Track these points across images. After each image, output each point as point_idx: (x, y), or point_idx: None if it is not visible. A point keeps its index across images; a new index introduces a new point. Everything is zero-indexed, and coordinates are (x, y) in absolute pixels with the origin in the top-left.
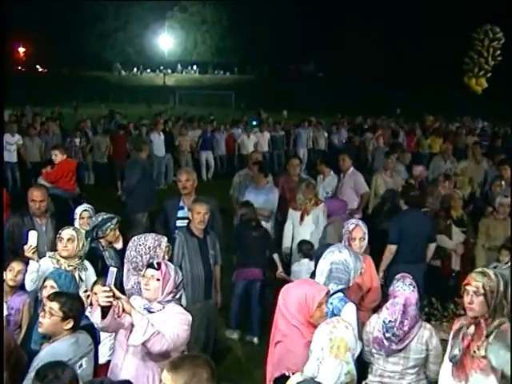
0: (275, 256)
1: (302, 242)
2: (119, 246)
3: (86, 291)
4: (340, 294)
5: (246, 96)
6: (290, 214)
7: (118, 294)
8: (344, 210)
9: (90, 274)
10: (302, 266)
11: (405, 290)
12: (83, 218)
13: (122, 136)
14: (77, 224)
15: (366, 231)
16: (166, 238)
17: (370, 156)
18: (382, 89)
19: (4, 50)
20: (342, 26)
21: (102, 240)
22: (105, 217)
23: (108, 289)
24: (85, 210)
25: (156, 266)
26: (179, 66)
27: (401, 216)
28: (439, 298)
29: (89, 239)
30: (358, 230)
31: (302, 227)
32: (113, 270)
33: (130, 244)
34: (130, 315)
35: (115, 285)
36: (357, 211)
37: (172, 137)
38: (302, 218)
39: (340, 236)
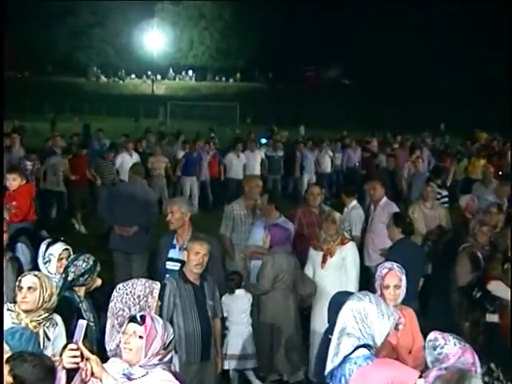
0: None
1: (232, 273)
2: (98, 283)
3: (54, 355)
4: (365, 351)
5: (254, 108)
6: (310, 254)
7: (86, 353)
8: (289, 239)
9: (59, 332)
10: (238, 298)
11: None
12: (62, 259)
13: (83, 158)
14: (52, 267)
15: (404, 277)
16: (159, 285)
17: (404, 183)
18: (423, 100)
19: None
20: (371, 24)
21: (77, 288)
22: (86, 259)
23: (75, 346)
24: (66, 249)
25: (139, 319)
26: (171, 71)
27: (400, 246)
28: (500, 364)
29: (60, 287)
30: (392, 275)
31: (325, 271)
32: (82, 324)
33: (115, 293)
34: (101, 381)
35: (88, 343)
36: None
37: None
38: (324, 261)
39: (278, 271)
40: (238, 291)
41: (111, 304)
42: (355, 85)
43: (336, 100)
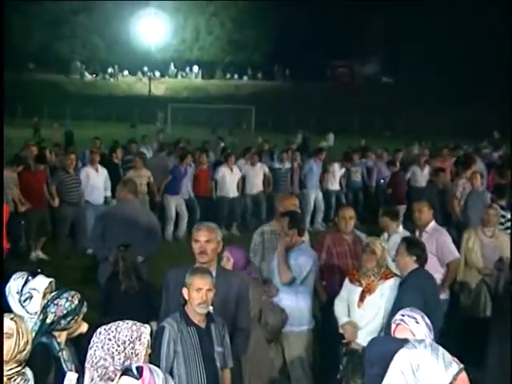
0: None
1: None
2: (84, 328)
3: None
4: None
5: (274, 111)
6: (346, 288)
7: None
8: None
9: None
10: None
11: None
12: (46, 294)
13: (40, 173)
14: (35, 305)
15: (419, 326)
16: (148, 328)
17: (456, 204)
18: (474, 103)
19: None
20: (415, 13)
21: (57, 333)
22: (70, 297)
23: None
24: (50, 283)
25: (135, 372)
26: (172, 68)
27: (415, 278)
28: None
29: (36, 331)
30: (400, 330)
31: (362, 311)
32: (71, 378)
33: (95, 339)
34: None
35: None
36: (441, 289)
37: (123, 171)
38: (362, 298)
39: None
40: None
41: (90, 352)
42: (398, 84)
43: (374, 101)
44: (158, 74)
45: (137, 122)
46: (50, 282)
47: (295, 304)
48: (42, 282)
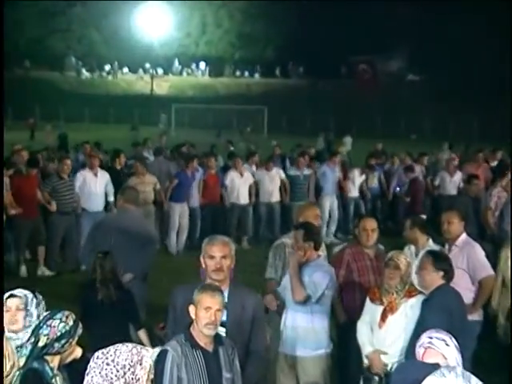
0: None
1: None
2: (78, 353)
3: None
4: None
5: (288, 112)
6: (367, 309)
7: None
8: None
9: None
10: None
11: None
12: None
13: (32, 178)
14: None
15: (450, 349)
16: (150, 351)
17: (490, 215)
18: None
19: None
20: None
21: (50, 357)
22: (64, 319)
23: None
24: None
25: None
26: (177, 64)
27: (442, 296)
28: None
29: (27, 356)
30: (430, 355)
31: (384, 333)
32: None
33: (92, 364)
34: None
35: None
36: (473, 309)
37: (122, 178)
38: (383, 318)
39: None
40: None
41: (87, 378)
42: (426, 82)
43: (398, 101)
44: (160, 71)
45: (137, 123)
46: (39, 301)
47: (310, 325)
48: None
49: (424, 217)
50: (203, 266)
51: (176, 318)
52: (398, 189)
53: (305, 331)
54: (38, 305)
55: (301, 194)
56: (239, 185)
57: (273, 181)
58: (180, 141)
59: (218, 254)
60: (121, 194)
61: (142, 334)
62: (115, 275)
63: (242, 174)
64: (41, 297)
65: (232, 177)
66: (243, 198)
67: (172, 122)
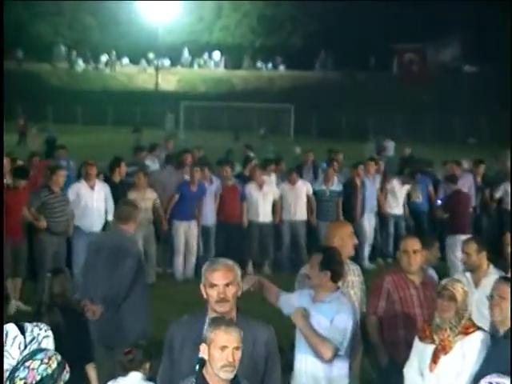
0: None
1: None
2: None
3: None
4: None
5: (319, 111)
6: (415, 349)
7: None
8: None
9: None
10: None
11: None
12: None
13: (20, 192)
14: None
15: None
16: None
17: None
18: None
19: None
20: None
21: None
22: (46, 360)
23: None
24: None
25: None
26: (186, 54)
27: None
28: None
29: None
30: None
31: (437, 376)
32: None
33: None
34: None
35: None
36: None
37: (125, 192)
38: (435, 359)
39: None
40: (133, 374)
41: None
42: (484, 73)
43: (453, 98)
44: (167, 62)
45: (140, 125)
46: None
47: (329, 373)
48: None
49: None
50: (204, 296)
51: (173, 360)
52: (439, 201)
53: (322, 381)
54: (26, 344)
55: (328, 211)
56: (257, 199)
57: (298, 196)
58: (190, 145)
59: (220, 282)
60: (117, 209)
61: (90, 370)
62: (66, 299)
63: (260, 187)
64: (40, 331)
65: (249, 190)
66: (263, 216)
67: (180, 123)
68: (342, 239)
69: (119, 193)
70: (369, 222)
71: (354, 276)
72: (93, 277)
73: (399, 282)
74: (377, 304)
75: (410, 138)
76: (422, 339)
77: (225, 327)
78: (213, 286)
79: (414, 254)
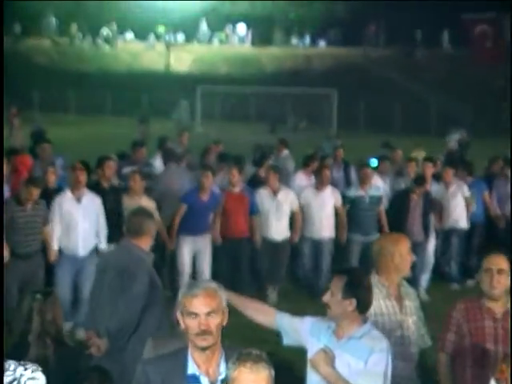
0: None
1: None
2: None
3: None
4: None
5: (367, 97)
6: None
7: None
8: None
9: None
10: None
11: None
12: None
13: None
14: None
15: None
16: None
17: None
18: None
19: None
20: None
21: None
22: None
23: None
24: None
25: None
26: (204, 28)
27: None
28: None
29: None
30: None
31: None
32: None
33: None
34: None
35: None
36: None
37: (118, 200)
38: None
39: None
40: None
41: None
42: None
43: None
44: (181, 37)
45: (147, 114)
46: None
47: None
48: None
49: None
50: (182, 326)
51: None
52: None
53: None
54: None
55: (365, 224)
56: (269, 210)
57: (324, 207)
58: (209, 139)
59: (202, 310)
60: (128, 221)
61: None
62: (58, 328)
63: (275, 194)
64: (25, 372)
65: (261, 197)
66: (277, 232)
67: (197, 112)
68: (402, 256)
69: (109, 202)
70: (429, 241)
71: (411, 301)
72: (98, 304)
73: (472, 312)
74: (444, 338)
75: (483, 130)
76: (498, 382)
77: (250, 364)
78: (191, 314)
79: (499, 275)
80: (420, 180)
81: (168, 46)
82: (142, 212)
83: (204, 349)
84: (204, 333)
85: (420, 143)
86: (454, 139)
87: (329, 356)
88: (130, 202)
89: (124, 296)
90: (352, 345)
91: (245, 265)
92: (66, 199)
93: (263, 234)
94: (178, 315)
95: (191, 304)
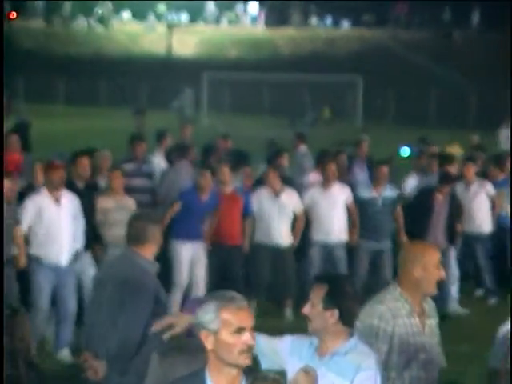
0: None
1: None
2: None
3: None
4: None
5: (397, 84)
6: None
7: None
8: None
9: None
10: None
11: None
12: None
13: None
14: None
15: None
16: None
17: None
18: None
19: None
20: None
21: None
22: None
23: None
24: None
25: None
26: (211, 6)
27: None
28: None
29: None
30: None
31: None
32: None
33: None
34: None
35: None
36: None
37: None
38: None
39: None
40: None
41: None
42: None
43: None
44: (185, 17)
45: (146, 104)
46: None
47: None
48: None
49: None
50: (209, 346)
51: None
52: None
53: None
54: None
55: (379, 228)
56: (270, 212)
57: (334, 207)
58: (216, 134)
59: (249, 324)
60: (128, 226)
61: None
62: (28, 350)
63: (276, 194)
64: None
65: (259, 199)
66: (279, 236)
67: (203, 102)
68: (426, 269)
69: (84, 203)
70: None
71: (432, 317)
72: (95, 321)
73: None
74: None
75: None
76: None
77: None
78: (240, 330)
79: None
80: (446, 178)
81: (170, 26)
82: (144, 216)
83: (234, 369)
84: (250, 349)
85: (457, 137)
86: (505, 135)
87: (311, 376)
88: (107, 203)
89: (125, 312)
90: (336, 362)
91: (238, 275)
92: (43, 200)
93: (264, 239)
94: (205, 333)
95: (238, 318)
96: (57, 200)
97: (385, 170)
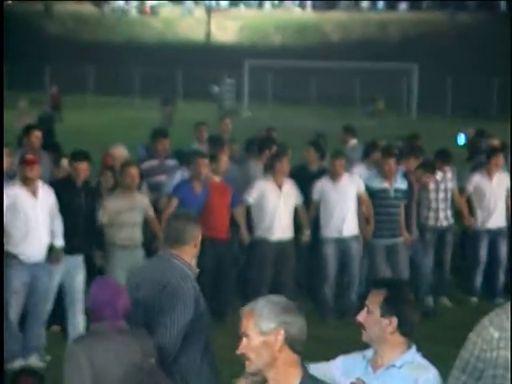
0: None
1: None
2: None
3: None
4: None
5: (457, 72)
6: None
7: None
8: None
9: None
10: None
11: None
12: None
13: None
14: None
15: None
16: None
17: None
18: None
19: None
20: None
21: None
22: None
23: None
24: None
25: None
26: None
27: None
28: None
29: None
30: None
31: None
32: None
33: None
34: None
35: None
36: None
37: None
38: None
39: None
40: None
41: None
42: None
43: None
44: (224, 1)
45: (181, 94)
46: None
47: None
48: None
49: None
50: (276, 354)
51: None
52: None
53: None
54: None
55: (391, 223)
56: (275, 205)
57: (345, 199)
58: (259, 126)
59: (242, 330)
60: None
61: None
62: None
63: (279, 186)
64: None
65: (261, 189)
66: (281, 230)
67: (244, 93)
68: None
69: (79, 202)
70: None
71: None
72: (134, 327)
73: None
74: None
75: None
76: None
77: None
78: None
79: None
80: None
81: (209, 10)
82: (184, 216)
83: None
84: (243, 356)
85: None
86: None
87: None
88: (117, 204)
89: (161, 320)
90: (391, 376)
91: (230, 272)
92: (20, 194)
93: (262, 234)
94: (278, 339)
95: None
96: (33, 193)
97: (392, 161)
